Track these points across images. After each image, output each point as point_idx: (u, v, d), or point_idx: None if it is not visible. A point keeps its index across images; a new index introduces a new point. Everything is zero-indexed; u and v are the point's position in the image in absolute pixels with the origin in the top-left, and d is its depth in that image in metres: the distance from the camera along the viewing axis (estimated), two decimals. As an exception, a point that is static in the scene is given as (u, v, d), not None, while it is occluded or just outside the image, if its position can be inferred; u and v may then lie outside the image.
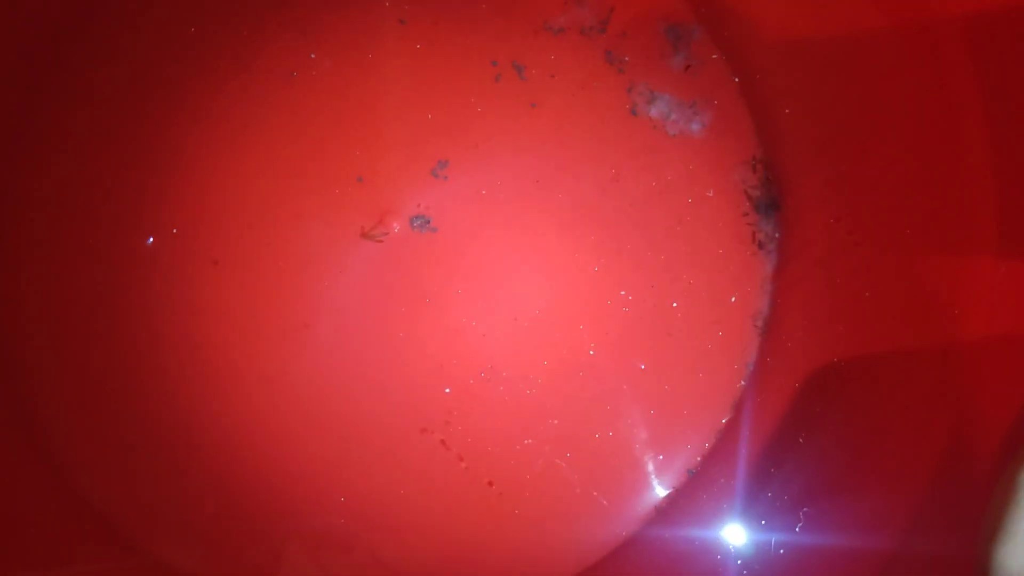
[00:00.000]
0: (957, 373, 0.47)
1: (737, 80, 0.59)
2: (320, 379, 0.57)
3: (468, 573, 0.56)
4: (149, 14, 0.58)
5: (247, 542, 0.56)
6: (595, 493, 0.56)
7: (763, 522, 0.53)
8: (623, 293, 0.58)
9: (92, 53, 0.57)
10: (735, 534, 0.54)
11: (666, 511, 0.56)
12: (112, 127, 0.57)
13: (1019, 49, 0.43)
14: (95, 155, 0.57)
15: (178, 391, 0.56)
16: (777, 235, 0.59)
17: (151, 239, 0.57)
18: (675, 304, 0.58)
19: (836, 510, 0.49)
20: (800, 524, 0.50)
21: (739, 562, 0.52)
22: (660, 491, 0.57)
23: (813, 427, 0.54)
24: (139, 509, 0.56)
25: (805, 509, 0.50)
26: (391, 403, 0.57)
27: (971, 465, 0.45)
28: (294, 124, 0.58)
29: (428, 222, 0.58)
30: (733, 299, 0.58)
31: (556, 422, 0.57)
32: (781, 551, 0.50)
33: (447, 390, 0.57)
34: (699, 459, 0.57)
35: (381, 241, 0.58)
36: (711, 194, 0.59)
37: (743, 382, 0.58)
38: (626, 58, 0.60)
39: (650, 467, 0.57)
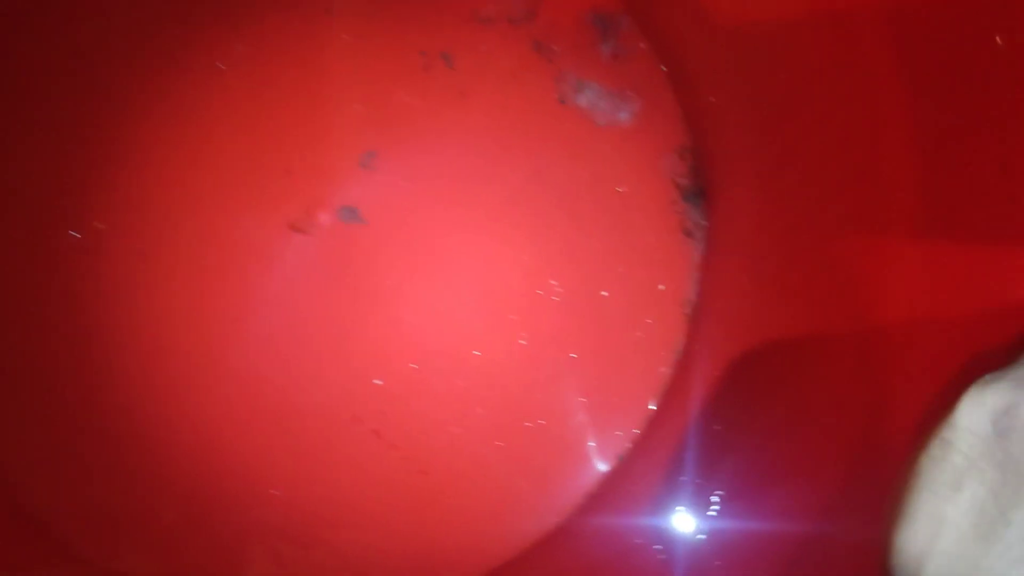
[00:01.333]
0: (876, 357, 0.48)
1: (664, 69, 0.60)
2: (250, 372, 0.56)
3: (402, 562, 0.56)
4: (73, 8, 0.57)
5: (179, 536, 0.55)
6: (527, 481, 0.56)
7: (690, 507, 0.54)
8: (554, 283, 0.58)
9: (11, 46, 0.56)
10: (664, 519, 0.55)
11: (597, 497, 0.57)
12: (33, 120, 0.56)
13: (941, 39, 0.43)
14: (15, 149, 0.56)
15: (107, 386, 0.56)
16: (705, 223, 0.59)
17: (76, 234, 0.56)
18: (605, 293, 0.58)
19: (760, 494, 0.50)
20: (715, 508, 0.50)
21: (665, 547, 0.52)
22: (591, 478, 0.57)
23: (739, 412, 0.54)
24: (69, 508, 0.55)
25: (720, 493, 0.50)
26: (323, 394, 0.57)
27: (887, 449, 0.46)
28: (221, 116, 0.58)
29: (357, 213, 0.58)
30: (662, 287, 0.58)
31: (487, 411, 0.57)
32: (703, 536, 0.51)
33: (379, 381, 0.57)
34: (629, 445, 0.57)
35: (310, 233, 0.58)
36: (640, 183, 0.59)
37: (672, 368, 0.58)
38: (554, 47, 0.60)
39: (580, 454, 0.57)
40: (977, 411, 0.31)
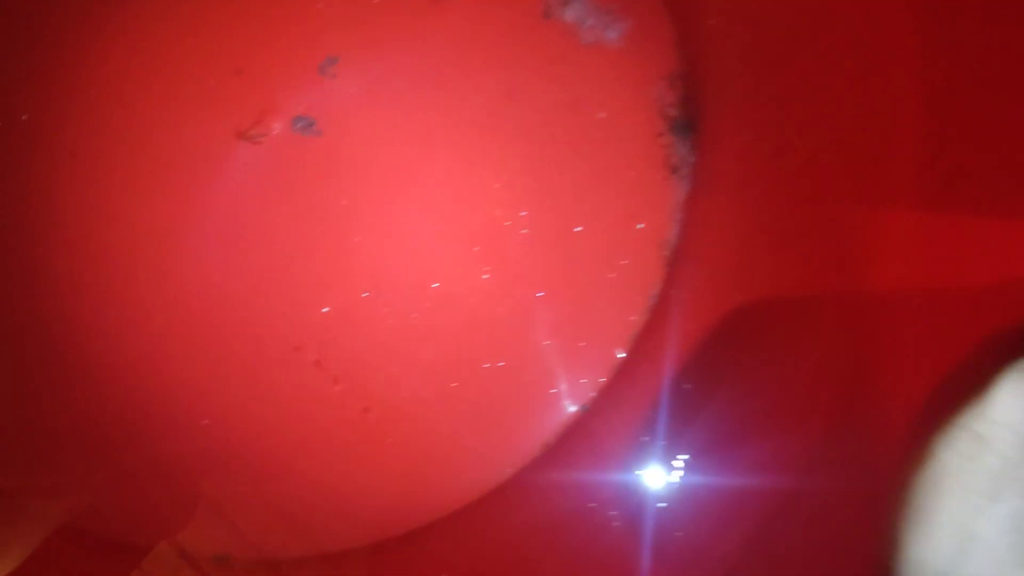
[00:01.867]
0: (864, 321, 0.44)
1: (661, -15, 0.54)
2: (186, 291, 0.51)
3: (335, 505, 0.51)
4: None
5: (102, 464, 0.51)
6: (481, 427, 0.52)
7: (655, 469, 0.50)
8: (523, 214, 0.53)
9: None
10: (626, 479, 0.51)
11: (555, 448, 0.53)
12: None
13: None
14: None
15: (24, 294, 0.51)
16: (692, 159, 0.54)
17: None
18: (578, 228, 0.54)
19: (729, 456, 0.46)
20: (680, 471, 0.47)
21: (625, 510, 0.48)
22: (550, 427, 0.53)
23: (713, 367, 0.50)
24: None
25: (685, 456, 0.46)
26: (263, 320, 0.52)
27: (869, 416, 0.42)
28: (169, 5, 0.52)
29: (312, 124, 0.53)
30: (640, 226, 0.54)
31: (443, 348, 0.52)
32: (664, 504, 0.47)
33: (325, 309, 0.52)
34: (593, 395, 0.53)
35: (259, 143, 0.53)
36: (624, 111, 0.54)
37: (645, 315, 0.54)
38: (541, -47, 0.54)
39: (541, 401, 0.53)
40: (1017, 403, 0.25)
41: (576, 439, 0.53)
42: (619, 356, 0.54)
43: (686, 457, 0.50)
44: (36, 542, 0.46)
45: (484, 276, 0.53)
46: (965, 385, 0.27)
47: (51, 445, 0.50)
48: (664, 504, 0.49)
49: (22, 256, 0.50)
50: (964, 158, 0.38)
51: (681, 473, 0.50)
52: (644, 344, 0.53)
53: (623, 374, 0.53)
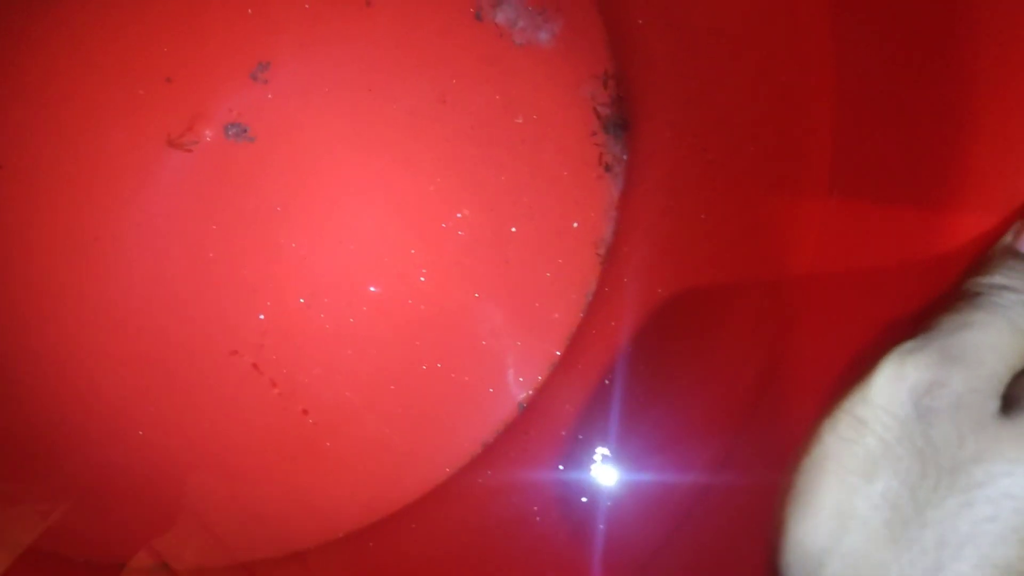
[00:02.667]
0: (779, 311, 0.45)
1: (591, -14, 0.54)
2: (116, 299, 0.51)
3: (274, 509, 0.51)
4: None
5: (35, 478, 0.50)
6: (419, 427, 0.52)
7: (594, 460, 0.50)
8: (459, 216, 0.54)
9: None
10: (563, 478, 0.52)
11: (493, 447, 0.53)
12: None
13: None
14: None
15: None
16: (625, 157, 0.55)
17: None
18: (514, 229, 0.54)
19: (657, 449, 0.47)
20: (603, 466, 0.47)
21: (557, 509, 0.49)
22: (488, 426, 0.54)
23: (646, 361, 0.51)
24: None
25: (607, 452, 0.47)
26: (198, 327, 0.52)
27: (783, 403, 0.43)
28: (95, 11, 0.51)
29: (245, 131, 0.53)
30: (576, 224, 0.54)
31: (380, 351, 0.52)
32: (586, 499, 0.48)
33: (261, 316, 0.52)
34: (530, 393, 0.54)
35: (191, 150, 0.52)
36: (558, 111, 0.54)
37: (581, 313, 0.54)
38: (472, -44, 0.54)
39: (479, 401, 0.53)
40: (896, 387, 0.26)
41: (514, 437, 0.53)
42: (556, 354, 0.54)
43: (614, 451, 0.50)
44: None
45: (421, 279, 0.53)
46: (860, 370, 0.28)
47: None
48: (599, 502, 0.50)
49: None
50: (870, 147, 0.39)
51: (614, 470, 0.50)
52: (580, 342, 0.54)
53: (560, 372, 0.54)
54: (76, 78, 0.51)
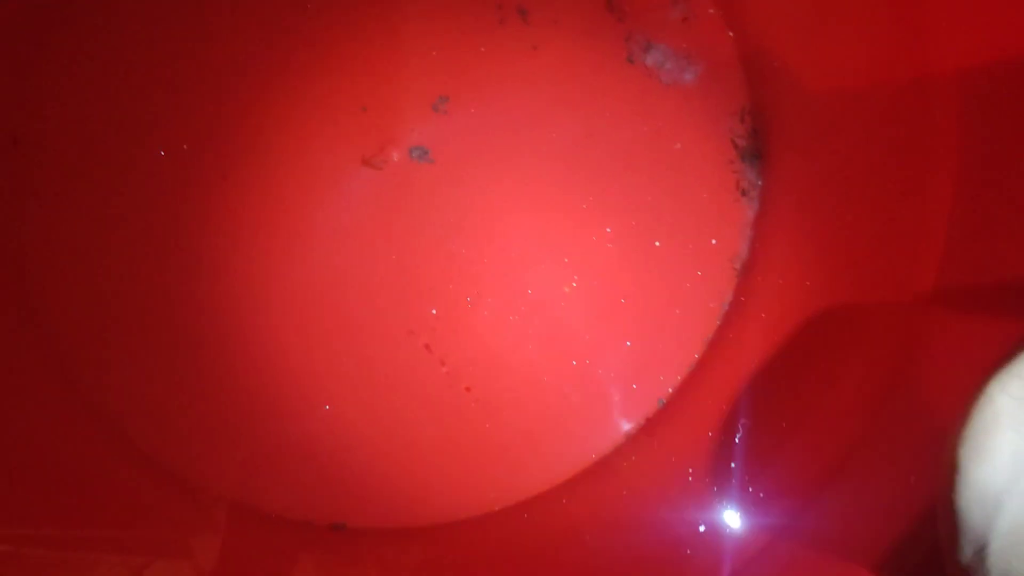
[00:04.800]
0: (911, 320, 0.49)
1: (731, 34, 0.62)
2: (314, 291, 0.60)
3: (439, 476, 0.58)
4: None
5: (237, 443, 0.59)
6: (568, 414, 0.59)
7: (733, 459, 0.55)
8: (608, 230, 0.61)
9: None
10: (699, 465, 0.56)
11: (635, 438, 0.59)
12: (132, 51, 0.60)
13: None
14: (112, 74, 0.60)
15: (182, 294, 0.60)
16: (759, 183, 0.61)
17: (162, 152, 0.60)
18: (657, 243, 0.60)
19: (791, 440, 0.52)
20: (738, 435, 0.52)
21: (705, 492, 0.54)
22: (631, 418, 0.59)
23: (780, 365, 0.56)
24: (145, 414, 0.59)
25: (743, 421, 0.52)
26: (380, 316, 0.60)
27: (917, 413, 0.47)
28: (305, 52, 0.61)
29: (427, 153, 0.61)
30: (714, 241, 0.60)
31: (535, 346, 0.59)
32: (737, 482, 0.52)
33: (434, 311, 0.60)
34: (670, 390, 0.59)
35: (381, 168, 0.61)
36: (699, 142, 0.61)
37: (718, 320, 0.60)
38: (626, 8, 0.62)
39: (623, 395, 0.59)
40: None
41: (655, 428, 0.58)
42: (695, 357, 0.60)
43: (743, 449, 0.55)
44: (220, 525, 0.54)
45: (573, 284, 0.60)
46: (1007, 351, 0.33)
47: (205, 425, 0.58)
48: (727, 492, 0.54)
49: (184, 262, 0.59)
50: (992, 181, 0.44)
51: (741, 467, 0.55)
52: (717, 346, 0.59)
53: (698, 373, 0.59)
54: (291, 107, 0.61)
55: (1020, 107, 0.44)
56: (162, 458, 0.58)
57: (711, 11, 0.62)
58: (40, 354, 0.58)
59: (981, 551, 0.31)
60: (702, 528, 0.52)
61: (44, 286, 0.58)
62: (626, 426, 0.59)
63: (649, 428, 0.59)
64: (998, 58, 0.44)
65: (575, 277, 0.60)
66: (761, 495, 0.52)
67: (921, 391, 0.47)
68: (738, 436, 0.54)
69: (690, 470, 0.55)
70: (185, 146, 0.60)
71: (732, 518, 0.53)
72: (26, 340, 0.57)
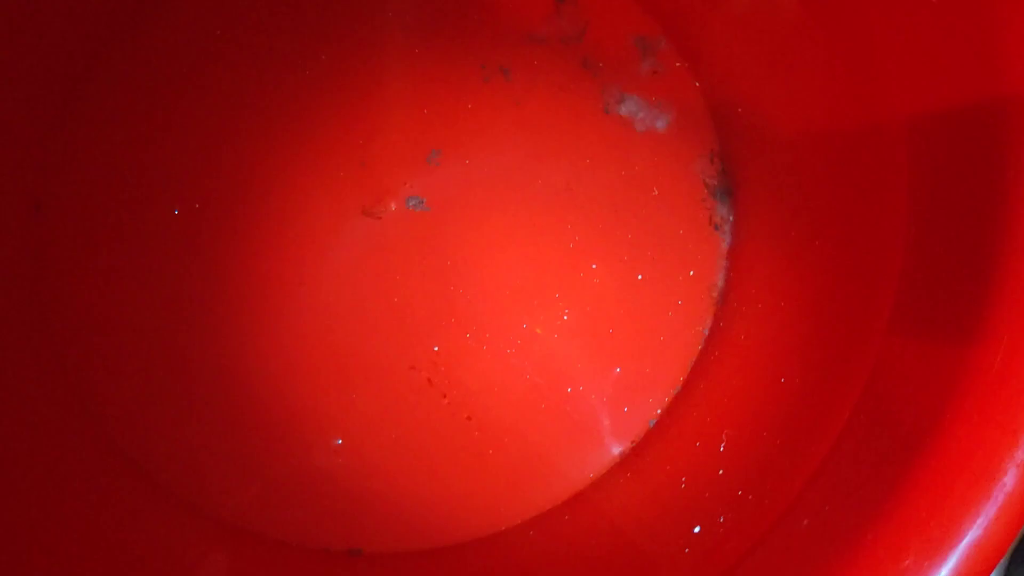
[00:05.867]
0: (874, 342, 0.54)
1: (698, 84, 0.68)
2: (320, 332, 0.64)
3: (446, 501, 0.62)
4: (178, 20, 0.66)
5: (252, 473, 0.62)
6: (564, 438, 0.63)
7: (720, 466, 0.60)
8: (594, 266, 0.66)
9: (127, 53, 0.65)
10: (691, 475, 0.61)
11: (628, 458, 0.63)
12: (148, 120, 0.65)
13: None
14: (130, 142, 0.64)
15: (199, 341, 0.63)
16: (731, 218, 0.67)
17: (176, 211, 0.64)
18: (640, 276, 0.66)
19: (771, 447, 0.56)
20: (723, 444, 0.56)
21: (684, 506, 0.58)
22: (622, 441, 0.64)
23: (759, 382, 0.61)
24: (167, 452, 0.62)
25: (726, 432, 0.56)
26: (383, 353, 0.64)
27: (883, 424, 0.51)
28: (306, 113, 0.66)
29: (422, 202, 0.66)
30: (692, 273, 0.66)
31: (532, 375, 0.64)
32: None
33: (436, 348, 0.64)
34: (659, 412, 0.64)
35: (380, 218, 0.66)
36: (673, 182, 0.67)
37: (700, 345, 0.65)
38: (600, 64, 0.68)
39: (615, 419, 0.64)
40: None
41: (646, 448, 0.63)
42: (680, 380, 0.64)
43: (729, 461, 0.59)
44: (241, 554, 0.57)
45: (564, 317, 0.65)
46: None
47: (223, 460, 0.61)
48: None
49: (199, 309, 0.63)
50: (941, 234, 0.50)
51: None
52: (699, 369, 0.64)
53: (682, 395, 0.64)
54: (295, 165, 0.65)
55: (962, 149, 0.48)
56: (181, 491, 0.61)
57: (678, 64, 0.68)
58: (66, 400, 0.61)
59: None
60: (697, 529, 0.56)
61: (67, 338, 0.62)
62: (618, 448, 0.64)
63: (640, 448, 0.63)
64: (943, 105, 0.50)
65: (566, 310, 0.65)
66: (750, 497, 0.56)
67: (886, 406, 0.52)
68: (722, 446, 0.58)
69: (683, 479, 0.59)
70: (197, 204, 0.65)
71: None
72: (52, 389, 0.60)
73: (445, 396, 0.64)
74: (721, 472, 0.57)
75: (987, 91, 0.46)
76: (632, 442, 0.64)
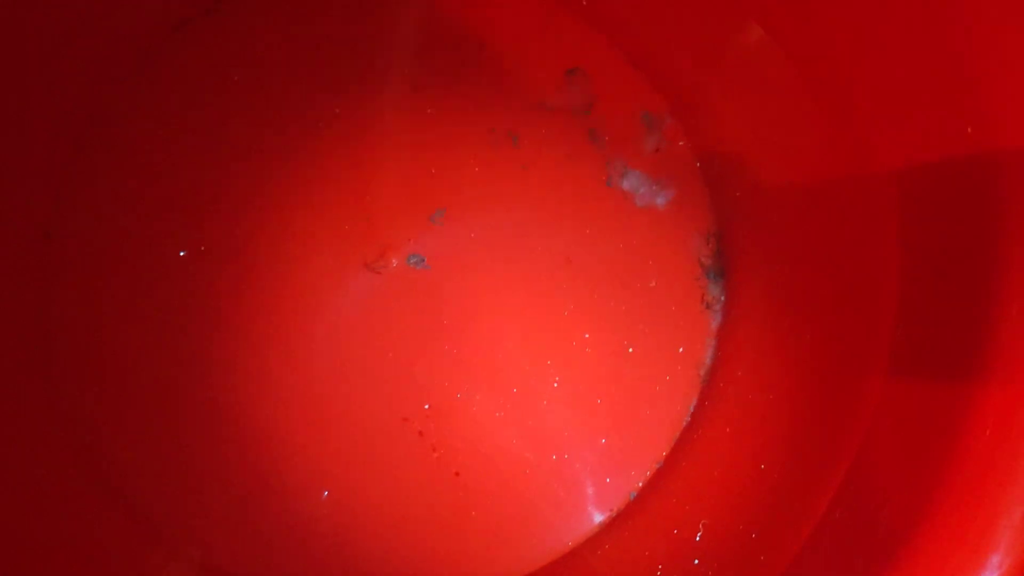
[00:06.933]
0: (861, 422, 0.56)
1: (699, 164, 0.70)
2: (314, 382, 0.65)
3: (425, 555, 0.63)
4: (193, 64, 0.68)
5: (236, 524, 0.63)
6: (547, 503, 0.64)
7: (695, 560, 0.61)
8: (587, 336, 0.67)
9: (142, 97, 0.66)
10: (667, 560, 0.62)
11: (608, 528, 0.64)
12: (160, 160, 0.66)
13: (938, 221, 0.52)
14: (141, 179, 0.66)
15: (195, 384, 0.64)
16: (723, 298, 0.68)
17: (182, 252, 0.66)
18: (631, 349, 0.67)
19: (749, 537, 0.58)
20: (699, 534, 0.58)
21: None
22: (604, 510, 0.65)
23: (741, 465, 0.62)
24: (161, 495, 0.63)
25: (704, 522, 0.58)
26: (375, 408, 0.65)
27: (859, 511, 0.53)
28: (316, 165, 0.68)
29: (423, 260, 0.68)
30: (681, 349, 0.67)
31: (519, 440, 0.65)
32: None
33: (426, 406, 0.66)
34: (640, 484, 0.65)
35: (380, 273, 0.67)
36: (669, 259, 0.69)
37: (684, 422, 0.66)
38: (606, 137, 0.70)
39: (597, 488, 0.65)
40: None
41: (625, 521, 0.64)
42: (663, 454, 0.66)
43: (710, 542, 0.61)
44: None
45: (554, 384, 0.67)
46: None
47: (214, 508, 0.62)
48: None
49: (198, 352, 0.65)
50: (932, 320, 0.51)
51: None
52: (683, 445, 0.66)
53: (665, 469, 0.65)
54: (301, 217, 0.67)
55: (951, 202, 0.50)
56: (169, 533, 0.62)
57: (681, 143, 0.70)
58: (63, 434, 0.62)
59: None
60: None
61: (67, 370, 0.63)
62: (599, 517, 0.65)
63: (620, 520, 0.64)
64: (930, 160, 0.51)
65: (556, 377, 0.67)
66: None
67: (871, 491, 0.53)
68: (699, 535, 0.60)
69: (659, 567, 0.61)
70: (203, 247, 0.66)
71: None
72: (50, 421, 0.61)
73: (435, 450, 0.65)
74: (696, 562, 0.58)
75: (972, 140, 0.48)
76: (613, 512, 0.65)
